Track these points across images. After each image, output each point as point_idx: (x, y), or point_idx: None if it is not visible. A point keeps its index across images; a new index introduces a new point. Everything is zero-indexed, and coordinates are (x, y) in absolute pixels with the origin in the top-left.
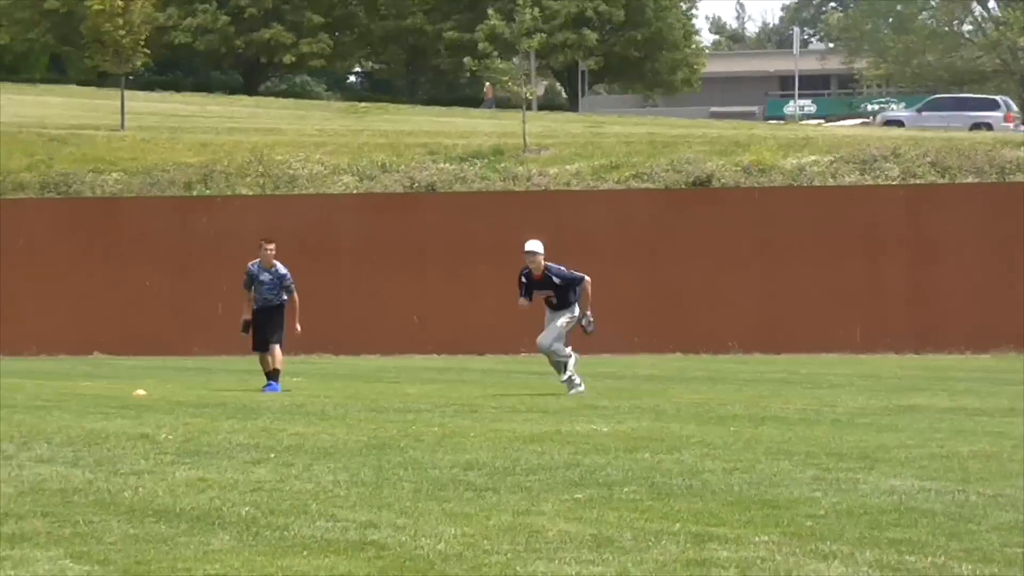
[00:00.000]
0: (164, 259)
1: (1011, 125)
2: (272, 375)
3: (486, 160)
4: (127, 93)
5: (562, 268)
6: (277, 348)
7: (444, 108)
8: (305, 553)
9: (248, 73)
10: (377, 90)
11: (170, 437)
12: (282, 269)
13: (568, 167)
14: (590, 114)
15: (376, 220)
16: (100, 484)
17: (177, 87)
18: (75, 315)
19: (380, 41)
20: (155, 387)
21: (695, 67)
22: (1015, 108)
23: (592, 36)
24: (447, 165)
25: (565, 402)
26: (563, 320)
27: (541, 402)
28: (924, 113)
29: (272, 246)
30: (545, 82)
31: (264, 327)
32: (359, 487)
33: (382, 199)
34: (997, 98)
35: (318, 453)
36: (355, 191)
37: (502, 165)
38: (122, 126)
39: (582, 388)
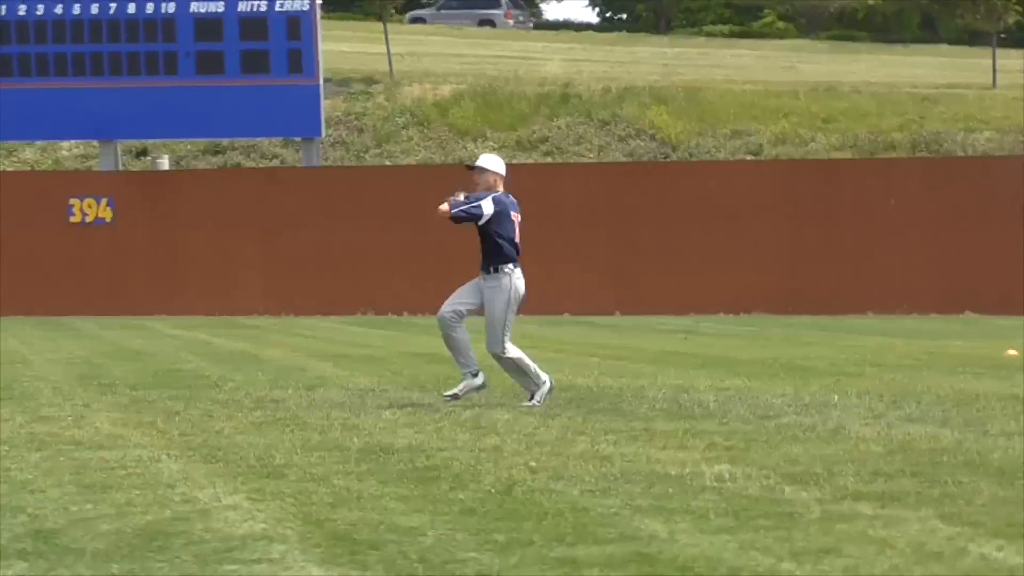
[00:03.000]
0: None
1: (511, 22)
2: None
3: None
4: (998, 51)
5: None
6: None
7: None
8: None
9: None
10: None
11: None
12: None
13: None
14: None
15: None
16: (969, 445)
17: None
18: (943, 273)
19: None
20: None
21: None
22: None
23: None
24: None
25: None
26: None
27: None
28: (442, 11)
29: None
30: None
31: None
32: None
33: None
34: None
35: None
36: None
37: None
38: (993, 84)
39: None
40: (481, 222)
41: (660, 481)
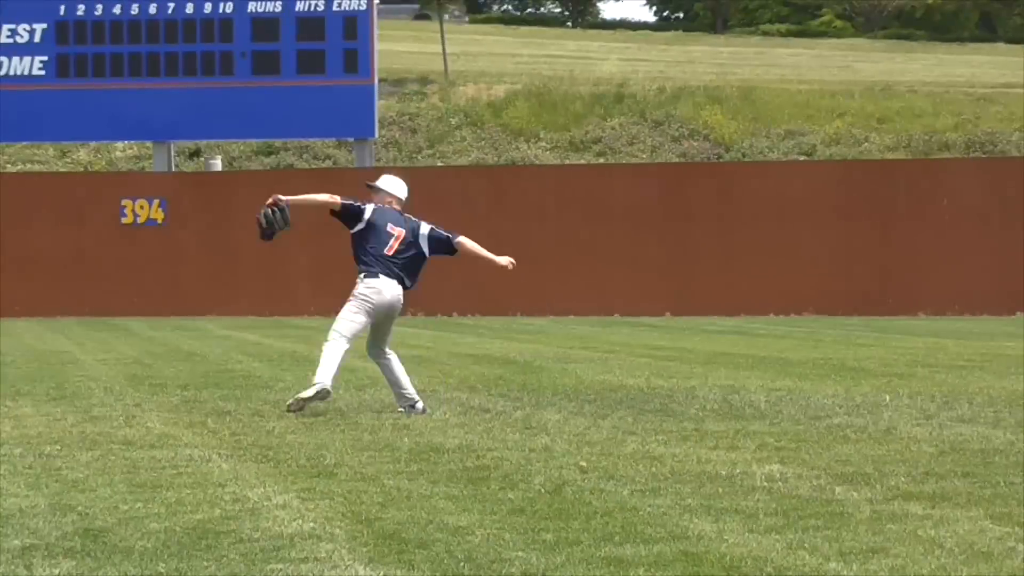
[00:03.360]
0: None
1: (446, 16)
2: None
3: None
4: None
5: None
6: None
7: None
8: None
9: None
10: None
11: None
12: None
13: None
14: None
15: None
16: (1021, 446)
17: None
18: (996, 274)
19: None
20: None
21: None
22: None
23: None
24: None
25: None
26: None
27: None
28: (380, 6)
29: None
30: None
31: None
32: None
33: None
34: None
35: None
36: None
37: None
38: None
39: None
40: (357, 227)
41: (710, 481)
